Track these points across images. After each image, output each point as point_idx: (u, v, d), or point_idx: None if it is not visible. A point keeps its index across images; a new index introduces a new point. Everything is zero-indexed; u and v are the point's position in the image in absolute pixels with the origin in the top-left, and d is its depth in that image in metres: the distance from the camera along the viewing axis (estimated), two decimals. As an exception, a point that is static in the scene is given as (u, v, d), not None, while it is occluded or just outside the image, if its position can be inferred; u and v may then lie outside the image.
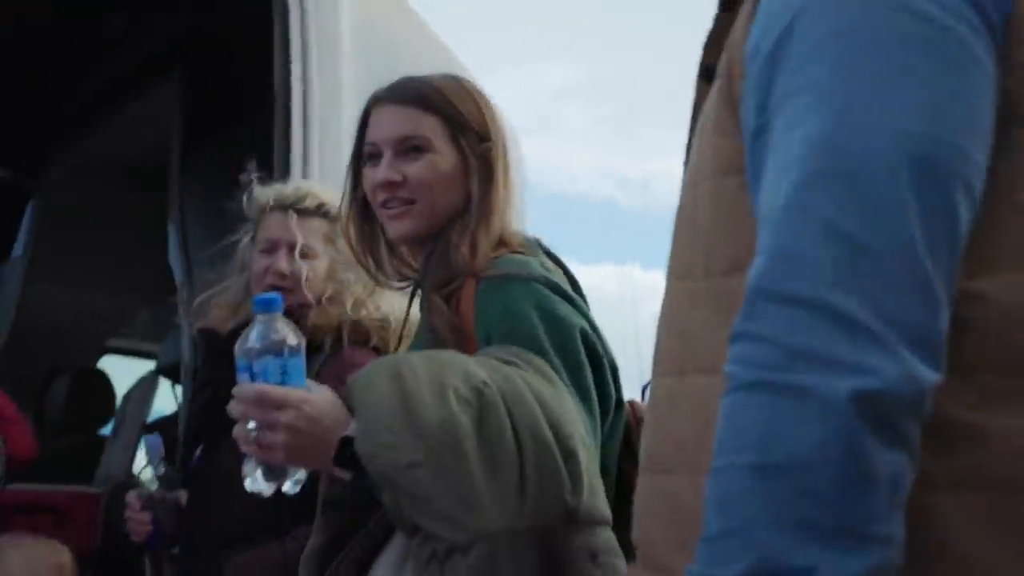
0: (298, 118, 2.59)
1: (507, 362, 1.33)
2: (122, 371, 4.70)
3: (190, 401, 2.51)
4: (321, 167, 2.55)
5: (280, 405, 1.25)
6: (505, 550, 1.16)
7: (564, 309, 1.44)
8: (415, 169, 1.53)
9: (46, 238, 4.30)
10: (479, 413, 1.22)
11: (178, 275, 3.14)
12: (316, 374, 1.96)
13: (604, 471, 1.36)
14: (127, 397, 4.33)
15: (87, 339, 4.70)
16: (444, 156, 1.55)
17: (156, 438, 2.17)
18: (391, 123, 1.55)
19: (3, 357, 4.22)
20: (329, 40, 2.78)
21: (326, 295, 2.06)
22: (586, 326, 1.45)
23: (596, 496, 1.25)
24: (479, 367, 1.28)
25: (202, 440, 2.08)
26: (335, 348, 2.02)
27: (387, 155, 1.54)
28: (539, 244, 1.60)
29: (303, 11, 2.76)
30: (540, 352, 1.38)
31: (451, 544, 1.16)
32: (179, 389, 3.34)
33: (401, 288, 1.76)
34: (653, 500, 0.86)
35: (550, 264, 1.54)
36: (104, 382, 4.39)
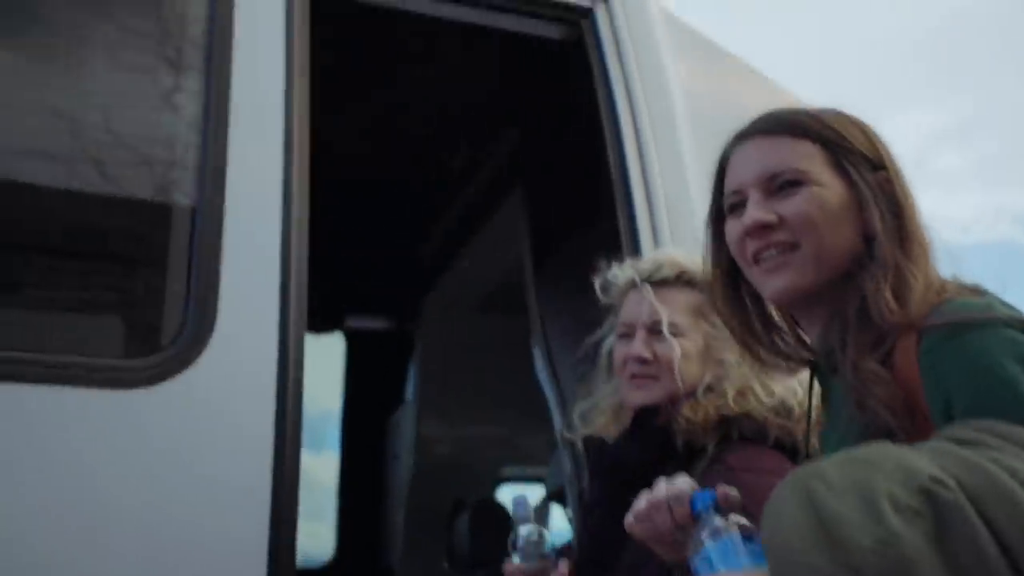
0: (640, 199, 2.38)
1: (966, 443, 0.93)
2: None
3: (581, 524, 2.29)
4: (673, 242, 2.30)
5: None
6: None
7: None
8: (793, 205, 1.21)
9: (430, 377, 4.43)
10: (935, 525, 0.85)
11: (549, 393, 3.01)
12: (699, 483, 1.67)
13: None
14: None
15: (482, 471, 4.74)
16: (829, 188, 1.21)
17: (523, 497, 1.92)
18: (756, 159, 1.25)
19: (411, 497, 4.34)
20: (662, 116, 2.57)
21: (703, 383, 1.76)
22: None
23: None
24: (926, 458, 0.90)
25: (601, 568, 1.82)
26: (721, 448, 1.69)
27: (754, 196, 1.24)
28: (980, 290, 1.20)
29: (630, 97, 2.59)
30: None
31: None
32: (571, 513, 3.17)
33: (787, 370, 1.42)
34: None
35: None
36: (502, 513, 4.36)
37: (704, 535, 1.11)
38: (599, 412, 1.93)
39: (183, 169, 1.90)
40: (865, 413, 1.10)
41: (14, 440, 1.63)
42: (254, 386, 1.74)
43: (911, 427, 1.02)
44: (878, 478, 0.89)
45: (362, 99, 3.31)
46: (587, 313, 1.99)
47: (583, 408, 1.96)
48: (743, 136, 1.29)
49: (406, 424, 4.51)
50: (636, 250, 2.29)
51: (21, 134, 1.82)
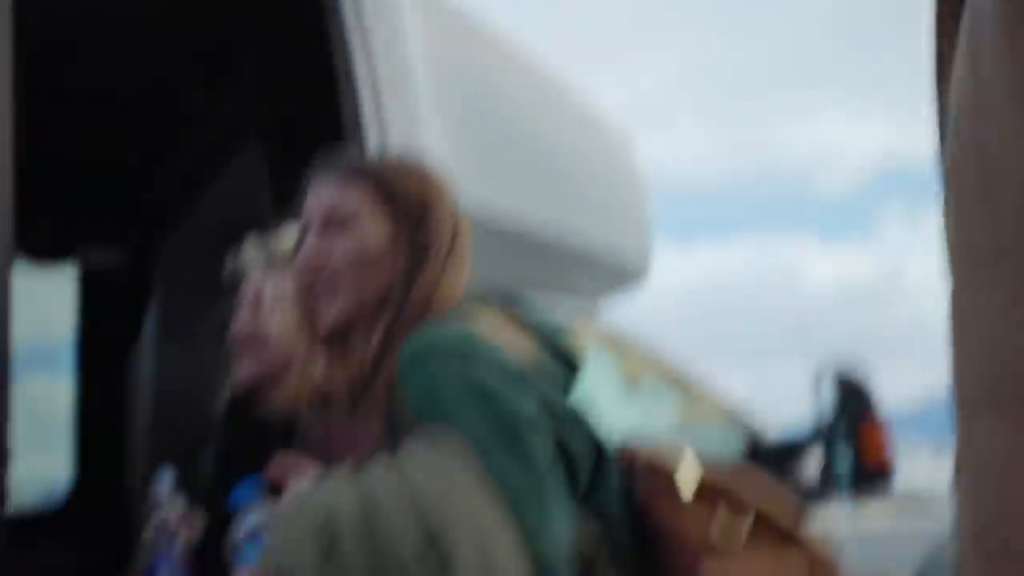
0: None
1: None
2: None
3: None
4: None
5: None
6: None
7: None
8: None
9: (170, 311, 4.42)
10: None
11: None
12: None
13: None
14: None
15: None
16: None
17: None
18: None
19: (154, 426, 4.35)
20: (399, 74, 2.70)
21: None
22: None
23: None
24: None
25: None
26: None
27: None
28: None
29: (369, 55, 2.68)
30: None
31: None
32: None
33: None
34: None
35: None
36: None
37: None
38: None
39: None
40: None
41: None
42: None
43: None
44: None
45: (89, 33, 3.22)
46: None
47: None
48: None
49: (146, 355, 4.49)
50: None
51: None
